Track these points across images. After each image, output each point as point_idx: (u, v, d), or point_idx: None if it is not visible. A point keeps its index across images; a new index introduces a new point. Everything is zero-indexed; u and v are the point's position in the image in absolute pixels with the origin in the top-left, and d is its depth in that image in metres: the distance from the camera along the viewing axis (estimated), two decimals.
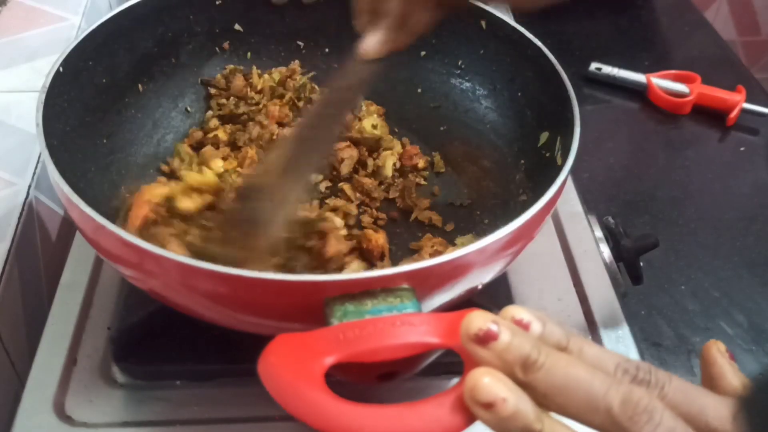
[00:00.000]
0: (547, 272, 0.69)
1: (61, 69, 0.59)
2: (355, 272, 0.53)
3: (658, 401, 0.34)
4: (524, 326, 0.37)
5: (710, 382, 0.41)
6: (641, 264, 0.71)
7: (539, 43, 0.64)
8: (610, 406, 0.33)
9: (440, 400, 0.35)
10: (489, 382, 0.34)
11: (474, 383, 0.34)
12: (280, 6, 0.77)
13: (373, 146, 0.74)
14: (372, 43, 0.57)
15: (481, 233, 0.62)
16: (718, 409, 0.35)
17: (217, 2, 0.75)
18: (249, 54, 0.79)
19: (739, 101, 0.99)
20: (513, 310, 0.37)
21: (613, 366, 0.36)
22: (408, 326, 0.39)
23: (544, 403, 0.35)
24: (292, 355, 0.38)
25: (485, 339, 0.35)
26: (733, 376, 0.40)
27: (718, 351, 0.41)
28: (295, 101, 0.77)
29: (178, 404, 0.57)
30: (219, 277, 0.44)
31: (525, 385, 0.35)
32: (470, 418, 0.35)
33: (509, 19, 0.69)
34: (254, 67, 0.78)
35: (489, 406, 0.34)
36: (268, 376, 0.37)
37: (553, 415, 0.35)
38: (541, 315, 0.38)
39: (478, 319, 0.35)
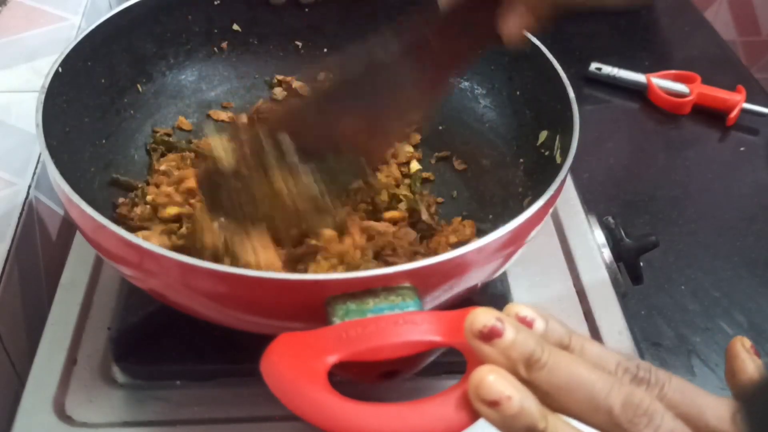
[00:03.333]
0: (547, 272, 0.69)
1: (60, 70, 0.59)
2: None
3: (659, 403, 0.34)
4: (527, 323, 0.37)
5: (732, 375, 0.41)
6: (641, 264, 0.71)
7: (537, 42, 0.64)
8: (611, 408, 0.34)
9: (443, 398, 0.35)
10: (494, 379, 0.34)
11: (479, 381, 0.34)
12: (279, 6, 0.77)
13: None
14: None
15: (481, 232, 0.62)
16: (717, 409, 0.35)
17: (216, 2, 0.74)
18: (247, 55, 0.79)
19: (739, 101, 0.99)
20: (516, 307, 0.37)
21: (614, 365, 0.36)
22: (410, 325, 0.39)
23: (546, 401, 0.35)
24: (294, 355, 0.38)
25: (489, 336, 0.35)
26: (754, 371, 0.40)
27: (742, 345, 0.41)
28: None
29: (178, 404, 0.57)
30: (219, 276, 0.44)
31: (528, 384, 0.35)
32: (474, 416, 0.35)
33: None
34: None
35: (494, 404, 0.34)
36: (271, 375, 0.37)
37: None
38: (544, 313, 0.38)
39: (483, 316, 0.35)
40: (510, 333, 0.35)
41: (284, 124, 0.53)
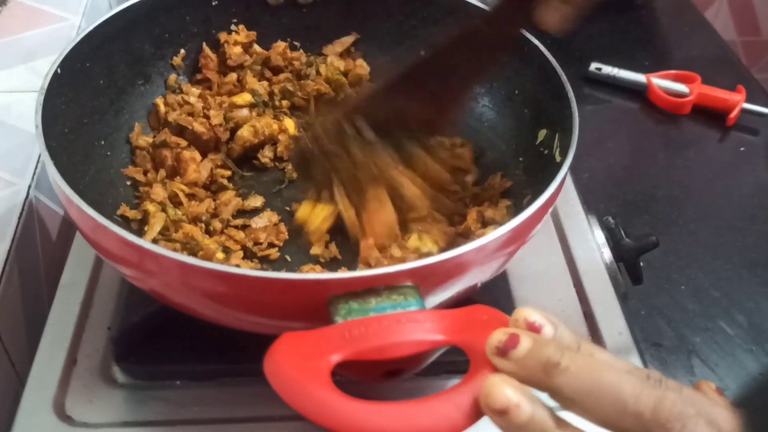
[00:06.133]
0: (547, 272, 0.69)
1: (58, 71, 0.59)
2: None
3: (692, 408, 0.33)
4: (536, 329, 0.37)
5: None
6: (641, 264, 0.71)
7: (535, 41, 0.64)
8: (641, 413, 0.33)
9: (447, 396, 0.35)
10: (501, 387, 0.34)
11: (487, 389, 0.34)
12: (277, 6, 0.77)
13: None
14: None
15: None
16: (728, 419, 0.35)
17: (213, 2, 0.75)
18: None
19: (739, 101, 0.99)
20: (525, 312, 0.37)
21: (627, 374, 0.35)
22: (413, 323, 0.39)
23: (571, 408, 0.34)
24: (298, 354, 0.38)
25: (505, 350, 0.35)
26: None
27: (708, 387, 0.40)
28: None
29: (178, 404, 0.57)
30: (219, 276, 0.44)
31: (552, 391, 0.35)
32: (477, 415, 0.35)
33: None
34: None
35: (503, 412, 0.34)
36: (275, 374, 0.37)
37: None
38: (553, 318, 0.37)
39: (497, 334, 0.36)
40: (525, 343, 0.35)
41: (359, 110, 0.62)
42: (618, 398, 0.33)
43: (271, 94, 0.76)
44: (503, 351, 0.35)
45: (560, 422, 0.34)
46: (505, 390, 0.34)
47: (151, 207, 0.64)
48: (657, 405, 0.33)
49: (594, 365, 0.35)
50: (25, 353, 0.64)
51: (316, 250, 0.63)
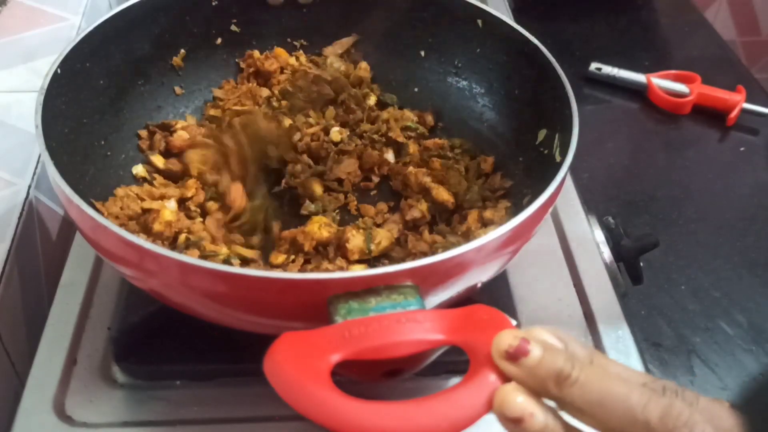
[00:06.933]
0: (547, 272, 0.69)
1: (58, 71, 0.59)
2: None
3: (699, 414, 0.34)
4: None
5: None
6: (641, 264, 0.71)
7: (535, 41, 0.64)
8: (648, 420, 0.33)
9: (446, 396, 0.35)
10: (516, 396, 0.34)
11: (502, 399, 0.35)
12: (277, 7, 0.77)
13: None
14: None
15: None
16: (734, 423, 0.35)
17: (214, 3, 0.74)
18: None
19: (739, 101, 0.99)
20: (535, 332, 0.37)
21: (639, 384, 0.36)
22: (413, 323, 0.39)
23: (581, 418, 0.35)
24: (297, 354, 0.38)
25: (515, 355, 0.35)
26: None
27: None
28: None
29: (178, 404, 0.57)
30: (219, 276, 0.44)
31: (561, 401, 0.35)
32: (477, 415, 0.35)
33: (505, 18, 0.69)
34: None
35: (518, 421, 0.34)
36: (275, 374, 0.37)
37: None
38: (564, 335, 0.38)
39: (507, 336, 0.36)
40: (536, 351, 0.35)
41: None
42: (627, 408, 0.34)
43: (269, 98, 0.77)
44: (513, 356, 0.35)
45: (571, 430, 0.34)
46: (519, 399, 0.34)
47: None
48: (664, 413, 0.33)
49: (604, 376, 0.35)
50: (25, 353, 0.64)
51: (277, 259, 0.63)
